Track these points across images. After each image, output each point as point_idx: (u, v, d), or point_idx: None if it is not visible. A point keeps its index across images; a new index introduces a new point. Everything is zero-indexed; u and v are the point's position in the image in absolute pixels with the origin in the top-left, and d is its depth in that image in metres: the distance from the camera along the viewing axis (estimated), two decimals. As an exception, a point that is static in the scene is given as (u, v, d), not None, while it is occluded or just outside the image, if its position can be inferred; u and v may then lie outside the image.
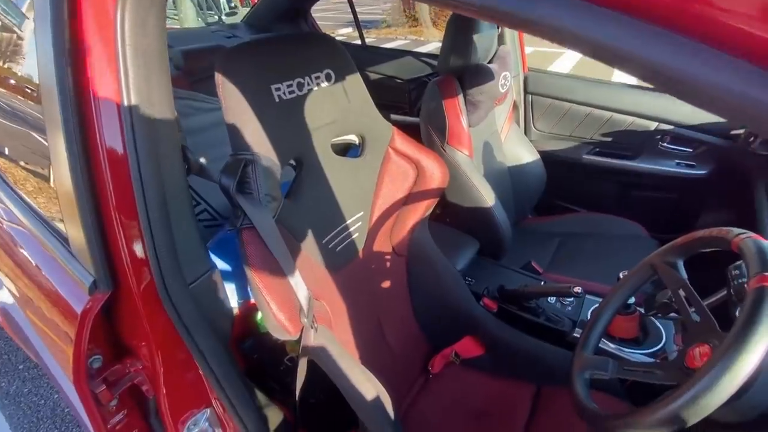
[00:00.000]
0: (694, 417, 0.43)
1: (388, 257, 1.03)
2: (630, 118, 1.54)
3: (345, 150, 1.06)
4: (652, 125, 1.51)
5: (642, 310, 1.00)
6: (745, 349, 0.41)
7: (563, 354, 1.03)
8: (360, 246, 0.95)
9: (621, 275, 1.03)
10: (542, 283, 1.25)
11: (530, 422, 0.94)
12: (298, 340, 0.69)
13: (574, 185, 1.77)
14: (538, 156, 1.62)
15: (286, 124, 0.73)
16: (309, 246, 0.81)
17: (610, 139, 1.63)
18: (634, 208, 1.62)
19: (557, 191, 1.74)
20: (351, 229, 0.92)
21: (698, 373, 0.43)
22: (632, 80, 1.69)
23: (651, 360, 0.97)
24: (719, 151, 1.41)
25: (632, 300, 1.02)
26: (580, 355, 0.71)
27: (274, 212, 0.68)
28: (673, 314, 0.79)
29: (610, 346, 1.03)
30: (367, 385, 0.75)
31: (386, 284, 1.04)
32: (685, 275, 0.66)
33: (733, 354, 0.41)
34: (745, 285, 0.63)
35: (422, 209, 1.02)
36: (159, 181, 0.51)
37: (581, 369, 0.68)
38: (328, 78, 0.79)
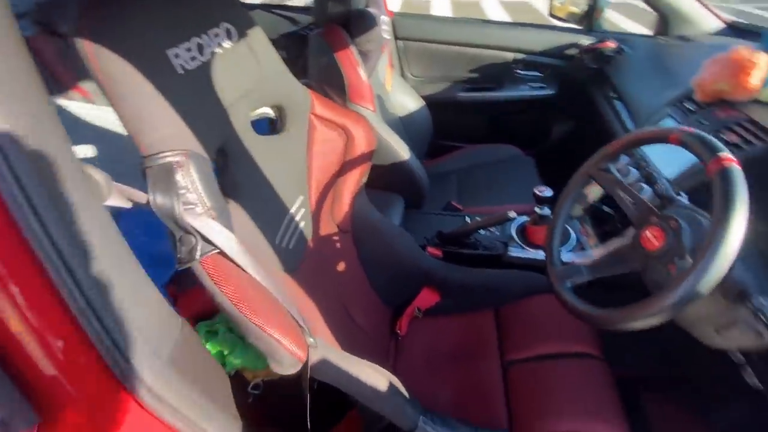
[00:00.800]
0: (706, 289, 0.51)
1: (336, 238, 0.94)
2: (492, 52, 1.69)
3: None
4: (510, 56, 1.69)
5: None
6: (735, 221, 0.49)
7: (505, 274, 1.14)
8: (309, 236, 0.83)
9: (536, 191, 1.16)
10: (466, 218, 1.33)
11: (501, 342, 1.02)
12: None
13: (454, 123, 1.89)
14: (423, 102, 1.66)
15: (199, 103, 0.54)
16: (264, 252, 0.67)
17: (477, 75, 1.76)
18: (506, 132, 1.83)
19: (440, 132, 1.83)
20: (297, 219, 0.79)
21: (701, 250, 0.51)
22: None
23: (610, 252, 1.12)
24: (561, 70, 1.67)
25: (545, 210, 1.17)
26: (553, 270, 0.78)
27: (226, 224, 0.51)
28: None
29: (540, 254, 1.18)
30: (378, 377, 0.69)
31: (341, 267, 0.96)
32: (619, 176, 0.76)
33: (727, 226, 0.49)
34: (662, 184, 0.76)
35: (357, 177, 0.94)
36: (71, 225, 0.31)
37: (561, 281, 0.75)
38: (228, 35, 0.61)
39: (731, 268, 0.56)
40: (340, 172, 0.90)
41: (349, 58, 1.13)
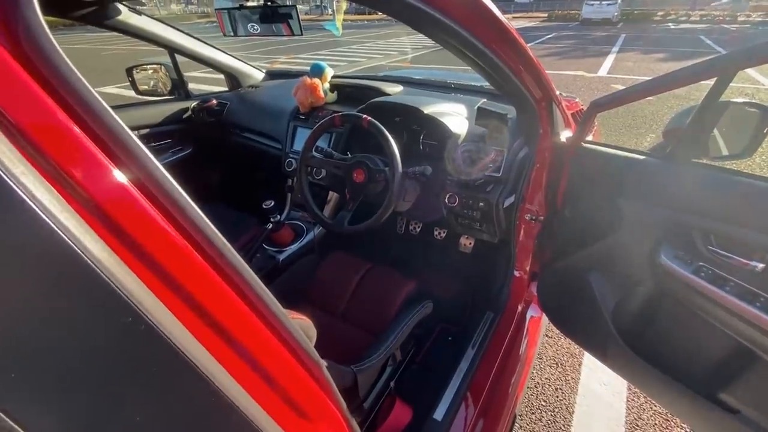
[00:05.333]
0: (401, 176, 1.04)
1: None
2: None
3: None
4: (135, 134, 1.72)
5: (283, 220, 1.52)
6: (390, 139, 1.04)
7: (291, 272, 1.39)
8: None
9: (264, 205, 1.45)
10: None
11: (327, 308, 1.30)
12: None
13: None
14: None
15: None
16: None
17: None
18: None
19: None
20: None
21: (390, 160, 1.04)
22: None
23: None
24: (187, 131, 1.92)
25: (280, 218, 1.50)
26: (331, 225, 1.16)
27: None
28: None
29: (293, 248, 1.50)
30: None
31: None
32: (320, 156, 1.21)
33: (389, 141, 1.04)
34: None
35: None
36: None
37: (340, 225, 1.15)
38: None
39: None
40: None
41: None
